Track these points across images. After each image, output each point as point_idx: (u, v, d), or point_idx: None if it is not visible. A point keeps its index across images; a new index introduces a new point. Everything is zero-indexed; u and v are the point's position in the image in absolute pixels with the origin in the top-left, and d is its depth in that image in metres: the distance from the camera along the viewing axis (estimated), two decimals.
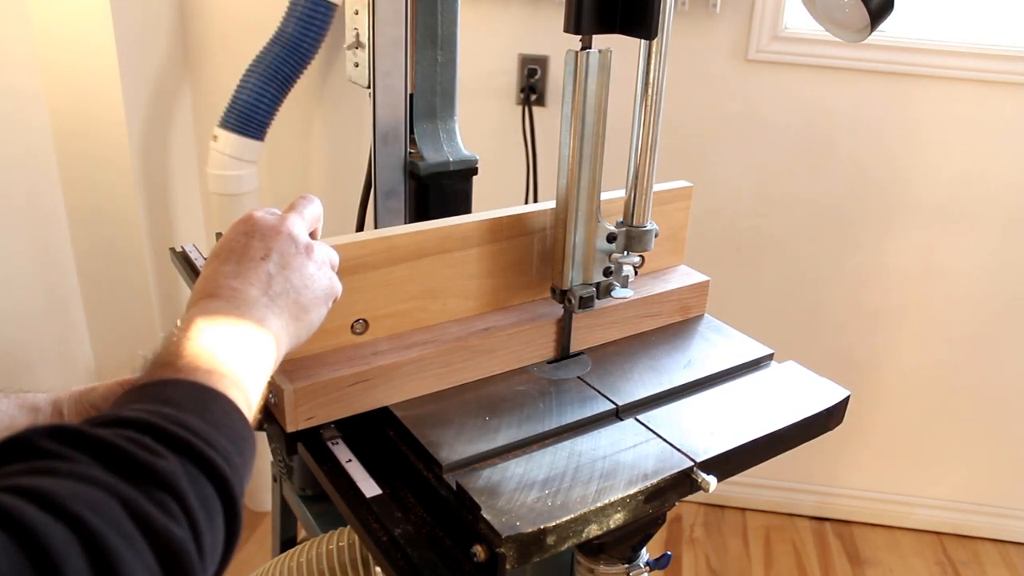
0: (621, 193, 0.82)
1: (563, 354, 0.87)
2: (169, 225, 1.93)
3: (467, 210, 1.05)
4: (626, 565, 0.78)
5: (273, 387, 0.72)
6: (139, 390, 0.47)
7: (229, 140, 1.73)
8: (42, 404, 0.64)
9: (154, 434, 0.42)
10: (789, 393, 0.80)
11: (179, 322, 0.54)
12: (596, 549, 0.76)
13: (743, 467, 0.73)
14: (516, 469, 0.66)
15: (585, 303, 0.81)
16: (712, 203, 1.87)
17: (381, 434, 0.76)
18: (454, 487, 0.65)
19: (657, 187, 0.84)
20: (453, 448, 0.71)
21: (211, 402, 0.48)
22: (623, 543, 0.76)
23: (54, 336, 1.89)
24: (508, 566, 0.60)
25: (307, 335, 0.63)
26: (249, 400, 0.52)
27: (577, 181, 0.77)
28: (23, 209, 1.73)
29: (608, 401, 0.79)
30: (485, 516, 0.60)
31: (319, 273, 0.64)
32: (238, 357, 0.52)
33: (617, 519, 0.65)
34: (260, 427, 0.76)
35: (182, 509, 0.39)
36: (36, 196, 1.77)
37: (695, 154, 1.84)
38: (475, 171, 1.05)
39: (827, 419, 0.79)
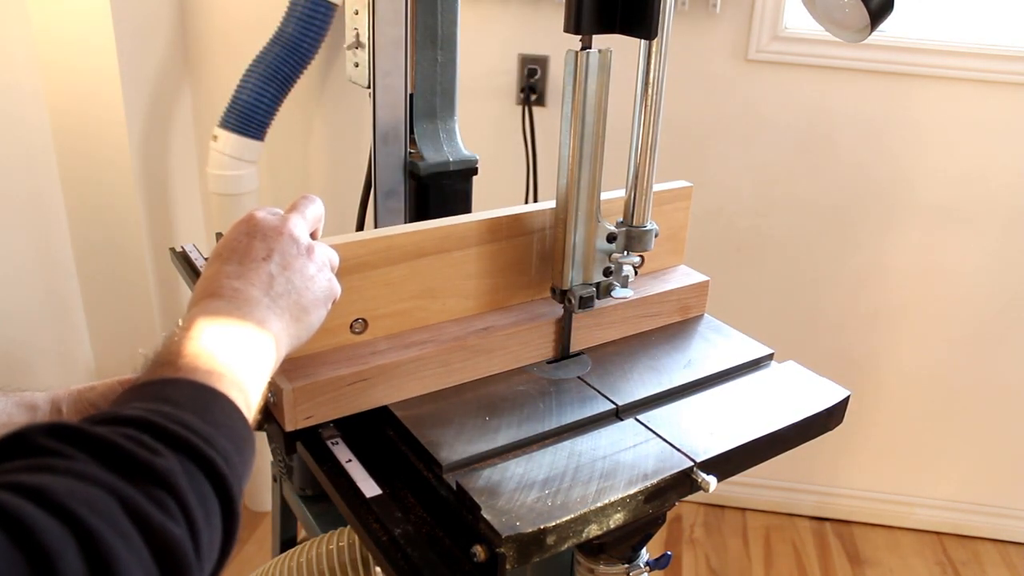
0: (621, 193, 0.82)
1: (563, 354, 0.87)
2: (169, 225, 1.93)
3: (467, 210, 1.05)
4: (626, 565, 0.78)
5: (272, 386, 0.72)
6: (139, 389, 0.47)
7: (229, 140, 1.73)
8: (40, 402, 0.64)
9: (153, 432, 0.41)
10: (789, 393, 0.80)
11: (180, 321, 0.54)
12: (596, 549, 0.76)
13: (743, 467, 0.73)
14: (516, 469, 0.66)
15: (585, 303, 0.81)
16: (712, 203, 1.87)
17: (381, 434, 0.76)
18: (454, 487, 0.65)
19: (657, 187, 0.84)
20: (453, 448, 0.71)
21: (211, 402, 0.47)
22: (623, 543, 0.76)
23: (54, 336, 1.89)
24: (508, 566, 0.60)
25: (307, 336, 0.64)
26: (249, 400, 0.52)
27: (577, 181, 0.77)
28: (23, 209, 1.73)
29: (608, 401, 0.79)
30: (485, 516, 0.60)
31: (320, 274, 0.64)
32: (239, 357, 0.52)
33: (617, 519, 0.65)
34: (260, 427, 0.76)
35: (180, 507, 0.39)
36: (36, 196, 1.77)
37: (695, 154, 1.84)
38: (475, 171, 1.05)
39: (827, 419, 0.79)
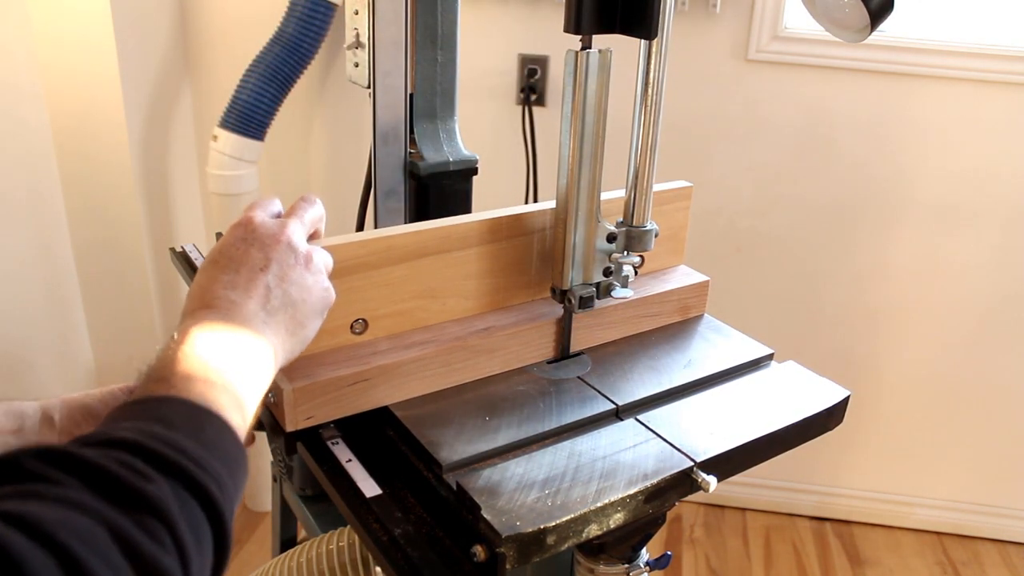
0: (621, 193, 0.82)
1: (563, 354, 0.87)
2: (169, 225, 1.93)
3: (467, 210, 1.05)
4: (626, 565, 0.78)
5: (272, 387, 0.72)
6: (133, 406, 0.47)
7: (229, 140, 1.73)
8: (29, 411, 0.63)
9: (145, 456, 0.41)
10: (789, 393, 0.80)
11: (176, 334, 0.53)
12: (596, 549, 0.76)
13: (743, 467, 0.73)
14: (516, 469, 0.66)
15: (585, 303, 0.81)
16: (712, 203, 1.87)
17: (381, 434, 0.76)
18: (454, 487, 0.65)
19: (657, 187, 0.84)
20: (453, 448, 0.71)
21: (205, 422, 0.47)
22: (623, 543, 0.76)
23: (54, 336, 1.89)
24: (508, 566, 0.60)
25: (301, 349, 0.63)
26: (244, 417, 0.51)
27: (577, 181, 0.77)
28: (23, 209, 1.73)
29: (608, 401, 0.79)
30: (485, 516, 0.60)
31: (316, 284, 0.63)
32: (234, 374, 0.52)
33: (617, 519, 0.65)
34: (260, 427, 0.76)
35: (171, 536, 0.39)
36: (36, 196, 1.77)
37: (695, 154, 1.84)
38: (475, 171, 1.05)
39: (827, 419, 0.79)
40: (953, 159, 1.78)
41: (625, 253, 0.81)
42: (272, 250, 0.61)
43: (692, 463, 0.68)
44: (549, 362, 0.86)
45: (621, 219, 0.81)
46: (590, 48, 0.73)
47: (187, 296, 0.59)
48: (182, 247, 1.09)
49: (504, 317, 0.85)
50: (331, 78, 1.87)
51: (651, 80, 0.74)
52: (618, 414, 0.78)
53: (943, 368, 1.98)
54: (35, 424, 0.63)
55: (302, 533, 1.25)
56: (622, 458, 0.68)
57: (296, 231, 0.64)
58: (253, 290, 0.58)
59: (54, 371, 1.89)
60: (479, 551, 0.61)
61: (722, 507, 2.19)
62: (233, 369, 0.52)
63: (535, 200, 1.80)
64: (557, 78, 1.79)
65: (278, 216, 0.67)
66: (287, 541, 1.26)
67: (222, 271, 0.59)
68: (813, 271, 1.92)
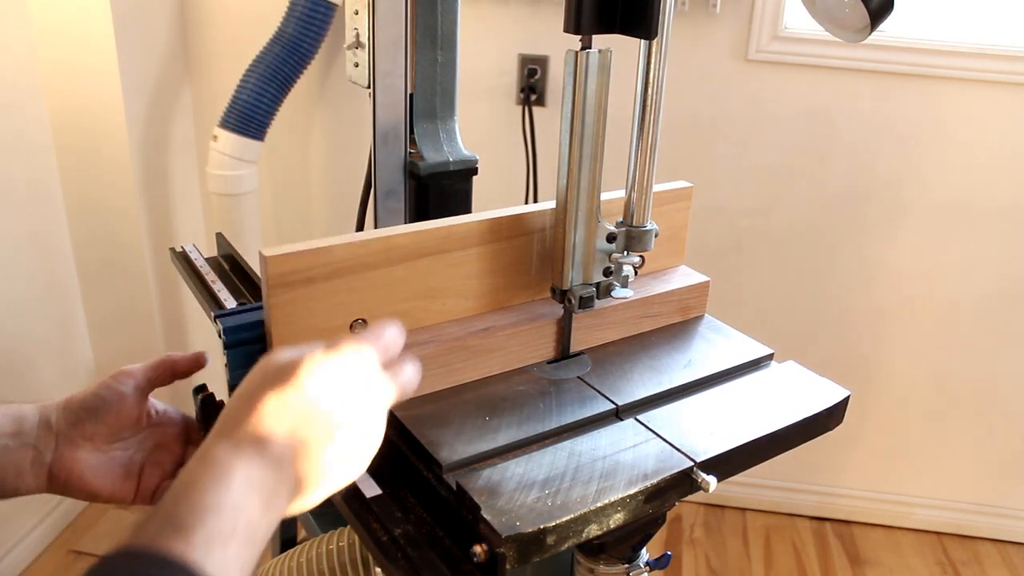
0: (621, 193, 0.82)
1: (563, 354, 0.87)
2: (169, 225, 1.94)
3: (467, 210, 1.05)
4: (626, 565, 0.78)
5: None
6: (140, 561, 0.43)
7: (229, 140, 1.73)
8: (28, 413, 0.63)
9: None
10: (789, 393, 0.80)
11: (213, 458, 0.48)
12: (596, 549, 0.76)
13: (743, 467, 0.73)
14: (516, 469, 0.66)
15: (585, 303, 0.81)
16: (712, 203, 1.87)
17: None
18: (454, 487, 0.65)
19: (657, 187, 0.83)
20: (453, 448, 0.71)
21: None
22: (623, 543, 0.76)
23: (54, 335, 1.89)
24: (508, 566, 0.60)
25: None
26: None
27: (577, 181, 0.77)
28: (24, 210, 1.73)
29: (608, 401, 0.79)
30: (485, 516, 0.60)
31: (364, 467, 0.58)
32: (252, 548, 0.48)
33: (617, 519, 0.65)
34: None
35: None
36: (37, 197, 1.77)
37: (695, 154, 1.84)
38: (475, 171, 1.05)
39: (827, 419, 0.79)
40: (954, 159, 1.78)
41: (625, 253, 0.81)
42: (363, 446, 0.56)
43: (692, 463, 0.68)
44: (549, 362, 0.86)
45: (621, 219, 0.81)
46: (590, 48, 0.73)
47: (243, 402, 0.52)
48: (182, 247, 1.09)
49: (504, 317, 0.85)
50: (331, 78, 1.87)
51: (651, 80, 0.74)
52: (618, 414, 0.78)
53: (943, 368, 1.98)
54: (33, 427, 0.63)
55: (302, 533, 1.25)
56: (622, 458, 0.68)
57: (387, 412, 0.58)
58: (307, 477, 0.53)
59: (54, 369, 1.89)
60: (479, 551, 0.61)
61: (722, 507, 2.19)
62: (253, 544, 0.48)
63: (535, 200, 1.80)
64: (557, 78, 1.79)
65: (388, 348, 0.60)
66: (287, 541, 1.26)
67: (300, 428, 0.52)
68: (813, 271, 1.92)
